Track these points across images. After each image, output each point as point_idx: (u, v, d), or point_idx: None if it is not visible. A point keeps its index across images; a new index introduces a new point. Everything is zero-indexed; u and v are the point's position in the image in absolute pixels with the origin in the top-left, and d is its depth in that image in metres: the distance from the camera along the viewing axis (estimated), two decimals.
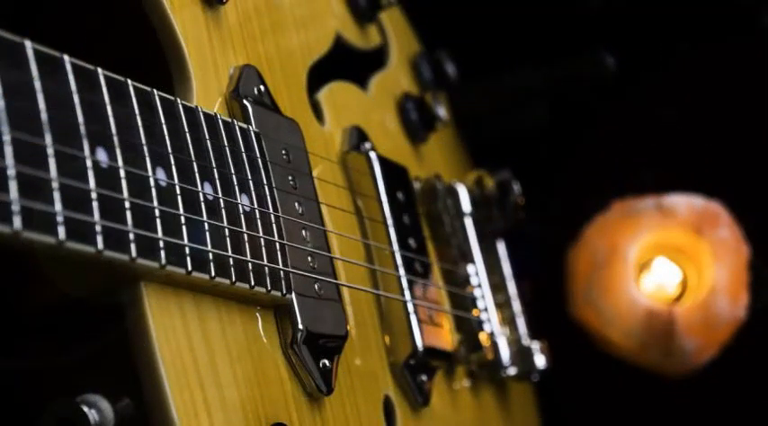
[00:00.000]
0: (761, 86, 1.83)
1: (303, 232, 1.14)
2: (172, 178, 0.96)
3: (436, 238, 1.47)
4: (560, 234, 1.79)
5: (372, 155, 1.34)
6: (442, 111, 1.56)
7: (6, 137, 0.80)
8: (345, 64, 1.42)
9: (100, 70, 0.92)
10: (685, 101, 1.83)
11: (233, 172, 1.05)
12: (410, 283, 1.31)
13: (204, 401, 0.97)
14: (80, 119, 0.88)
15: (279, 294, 1.07)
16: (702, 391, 1.76)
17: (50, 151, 0.84)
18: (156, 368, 0.94)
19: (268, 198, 1.10)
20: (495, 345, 1.48)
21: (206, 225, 0.99)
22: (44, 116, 0.84)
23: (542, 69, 1.84)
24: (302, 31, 1.31)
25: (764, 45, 1.82)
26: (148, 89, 0.98)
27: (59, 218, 0.83)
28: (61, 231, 0.83)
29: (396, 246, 1.32)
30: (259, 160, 1.10)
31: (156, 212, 0.93)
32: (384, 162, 1.35)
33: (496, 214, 1.56)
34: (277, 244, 1.08)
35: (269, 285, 1.06)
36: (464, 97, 1.74)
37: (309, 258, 1.14)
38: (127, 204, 0.90)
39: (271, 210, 1.09)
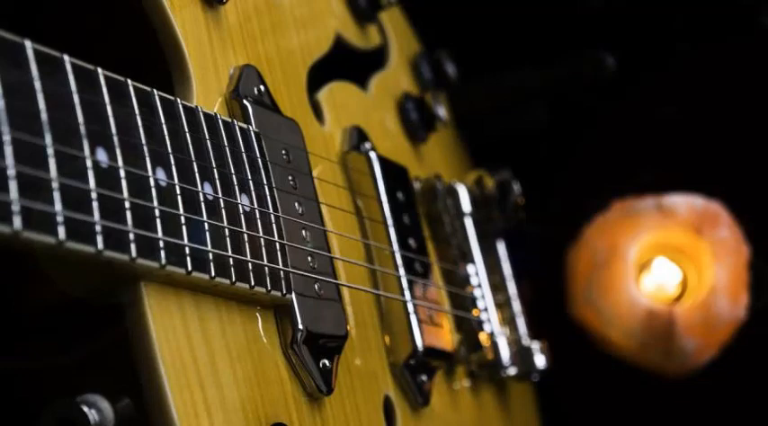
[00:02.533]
0: (761, 86, 1.83)
1: (303, 232, 1.14)
2: (172, 178, 0.96)
3: (436, 238, 1.47)
4: (560, 234, 1.79)
5: (372, 155, 1.34)
6: (441, 111, 1.56)
7: (6, 137, 0.80)
8: (345, 64, 1.42)
9: (100, 70, 0.92)
10: (685, 101, 1.83)
11: (233, 172, 1.05)
12: (410, 283, 1.31)
13: (204, 401, 0.97)
14: (80, 119, 0.88)
15: (279, 294, 1.07)
16: (702, 391, 1.76)
17: (50, 151, 0.84)
18: (156, 368, 0.94)
19: (268, 198, 1.10)
20: (495, 345, 1.48)
21: (206, 225, 0.99)
22: (44, 116, 0.84)
23: (542, 69, 1.84)
24: (302, 31, 1.31)
25: (764, 45, 1.82)
26: (148, 89, 0.98)
27: (59, 218, 0.83)
28: (61, 231, 0.83)
29: (396, 246, 1.32)
30: (259, 160, 1.10)
31: (156, 212, 0.93)
32: (384, 162, 1.35)
33: (496, 214, 1.57)
34: (277, 244, 1.08)
35: (269, 285, 1.06)
36: (464, 97, 1.74)
37: (309, 258, 1.14)
38: (127, 204, 0.90)
39: (271, 210, 1.09)
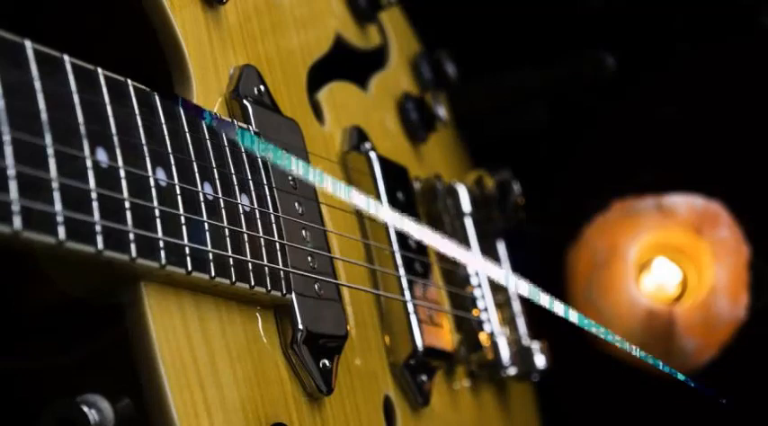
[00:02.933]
0: (761, 86, 1.83)
1: (303, 232, 1.14)
2: (172, 178, 0.96)
3: None
4: (560, 234, 1.79)
5: (372, 155, 1.34)
6: (441, 111, 1.56)
7: (6, 137, 0.80)
8: (345, 64, 1.42)
9: (100, 70, 0.92)
10: (685, 101, 1.83)
11: (233, 172, 1.05)
12: (410, 283, 1.31)
13: (204, 401, 0.97)
14: (80, 119, 0.88)
15: (279, 294, 1.07)
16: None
17: (50, 151, 0.84)
18: (156, 368, 0.94)
19: (268, 198, 1.10)
20: (495, 345, 1.48)
21: (206, 225, 0.99)
22: (44, 116, 0.84)
23: (542, 69, 1.84)
24: (302, 31, 1.31)
25: (764, 45, 1.82)
26: (148, 89, 0.98)
27: (59, 218, 0.83)
28: (61, 231, 0.83)
29: (396, 246, 1.32)
30: (259, 160, 1.10)
31: (156, 212, 0.93)
32: (384, 162, 1.35)
33: (496, 214, 1.57)
34: (277, 244, 1.08)
35: (269, 285, 1.06)
36: (464, 97, 1.74)
37: (309, 258, 1.14)
38: (127, 204, 0.90)
39: (271, 210, 1.09)
